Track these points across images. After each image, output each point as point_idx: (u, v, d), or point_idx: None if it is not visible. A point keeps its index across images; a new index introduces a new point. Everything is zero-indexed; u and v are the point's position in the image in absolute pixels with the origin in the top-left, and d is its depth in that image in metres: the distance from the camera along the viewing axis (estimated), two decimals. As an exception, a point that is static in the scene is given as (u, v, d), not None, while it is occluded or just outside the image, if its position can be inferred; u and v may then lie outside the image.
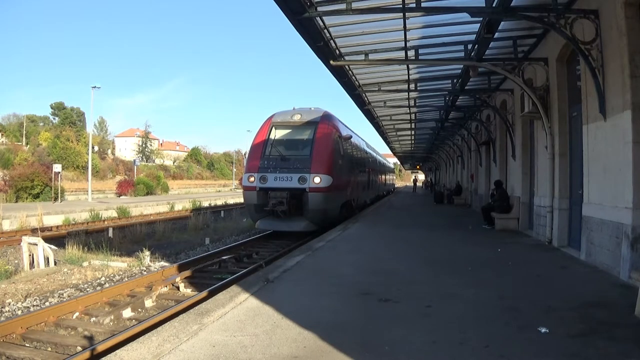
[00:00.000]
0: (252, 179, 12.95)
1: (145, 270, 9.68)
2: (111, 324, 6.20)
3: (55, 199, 29.20)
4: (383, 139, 29.73)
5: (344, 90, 13.68)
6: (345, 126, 16.86)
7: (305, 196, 12.48)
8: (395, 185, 58.09)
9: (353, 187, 16.67)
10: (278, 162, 13.02)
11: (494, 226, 11.93)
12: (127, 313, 6.53)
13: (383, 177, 33.96)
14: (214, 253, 11.10)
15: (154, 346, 3.62)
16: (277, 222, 12.71)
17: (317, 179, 12.44)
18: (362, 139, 21.81)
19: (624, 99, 5.72)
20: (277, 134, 14.06)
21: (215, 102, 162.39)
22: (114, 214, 22.48)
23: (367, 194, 22.26)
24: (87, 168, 36.41)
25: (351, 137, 16.40)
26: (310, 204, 12.44)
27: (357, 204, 18.18)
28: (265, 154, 13.41)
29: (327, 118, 14.38)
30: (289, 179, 12.61)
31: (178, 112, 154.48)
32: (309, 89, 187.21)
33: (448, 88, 13.07)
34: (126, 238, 14.47)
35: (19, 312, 6.74)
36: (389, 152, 42.14)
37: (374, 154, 27.44)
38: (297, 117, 14.22)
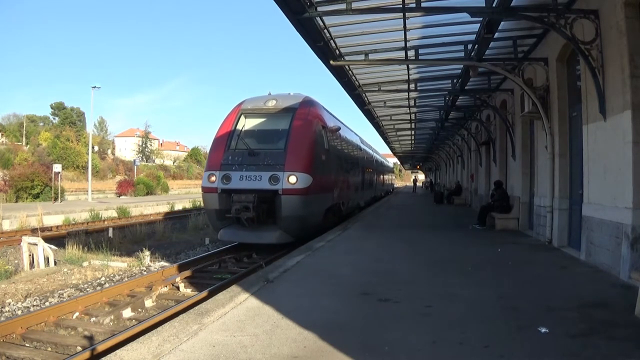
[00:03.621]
0: (212, 178, 10.74)
1: (145, 270, 9.69)
2: (111, 324, 6.21)
3: (55, 199, 29.22)
4: (383, 139, 29.72)
5: (344, 90, 13.67)
6: (333, 116, 14.61)
7: (278, 200, 10.24)
8: (395, 185, 57.87)
9: (341, 188, 14.25)
10: (245, 158, 10.74)
11: (486, 227, 11.95)
12: (127, 313, 6.54)
13: (381, 176, 31.40)
14: (214, 253, 11.10)
15: (154, 346, 3.62)
16: (244, 232, 10.52)
17: (292, 179, 10.20)
18: (355, 133, 19.81)
19: (624, 99, 5.72)
20: (247, 123, 11.74)
21: (216, 102, 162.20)
22: (114, 214, 22.49)
23: (361, 195, 19.93)
24: (87, 168, 36.46)
25: (339, 128, 14.02)
26: (284, 210, 10.20)
27: (348, 208, 16.01)
28: (229, 148, 11.09)
29: (307, 104, 11.94)
30: (258, 179, 10.39)
31: (178, 112, 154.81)
32: (309, 89, 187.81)
33: (448, 88, 13.06)
34: (126, 238, 14.47)
35: (19, 312, 6.74)
36: (389, 152, 42.13)
37: (370, 151, 25.07)
38: (271, 104, 11.89)
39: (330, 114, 14.15)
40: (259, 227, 10.41)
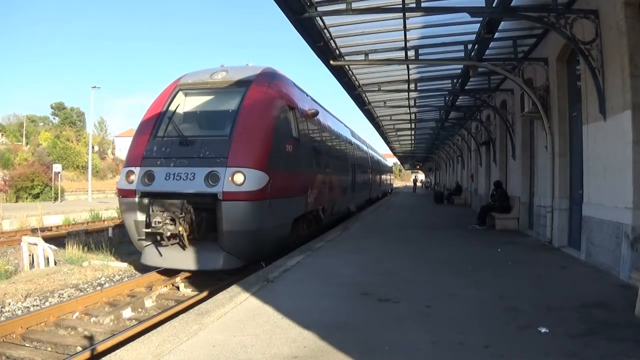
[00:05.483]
0: (131, 177, 7.88)
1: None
2: (111, 324, 6.20)
3: (55, 199, 29.23)
4: (383, 139, 29.74)
5: (344, 90, 13.66)
6: (310, 98, 11.57)
7: (219, 207, 7.31)
8: (394, 186, 57.69)
9: (321, 190, 10.98)
10: (175, 148, 7.88)
11: (486, 227, 11.94)
12: (127, 313, 6.53)
13: (377, 176, 27.44)
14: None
15: (154, 346, 3.62)
16: (174, 254, 7.65)
17: (238, 177, 7.32)
18: (345, 125, 16.96)
19: (624, 99, 5.72)
20: (185, 103, 8.88)
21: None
22: (114, 213, 22.44)
23: (350, 198, 16.63)
24: (87, 168, 36.51)
25: (317, 113, 10.68)
26: (226, 223, 7.31)
27: (332, 214, 12.87)
28: (156, 136, 8.28)
29: (268, 77, 8.91)
30: (190, 177, 7.47)
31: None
32: (311, 88, 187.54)
33: (448, 88, 13.07)
34: (126, 238, 14.41)
35: (19, 312, 6.73)
36: (389, 152, 42.17)
37: (364, 147, 21.99)
38: (219, 76, 8.91)
39: (305, 93, 11.09)
40: (196, 246, 7.63)
